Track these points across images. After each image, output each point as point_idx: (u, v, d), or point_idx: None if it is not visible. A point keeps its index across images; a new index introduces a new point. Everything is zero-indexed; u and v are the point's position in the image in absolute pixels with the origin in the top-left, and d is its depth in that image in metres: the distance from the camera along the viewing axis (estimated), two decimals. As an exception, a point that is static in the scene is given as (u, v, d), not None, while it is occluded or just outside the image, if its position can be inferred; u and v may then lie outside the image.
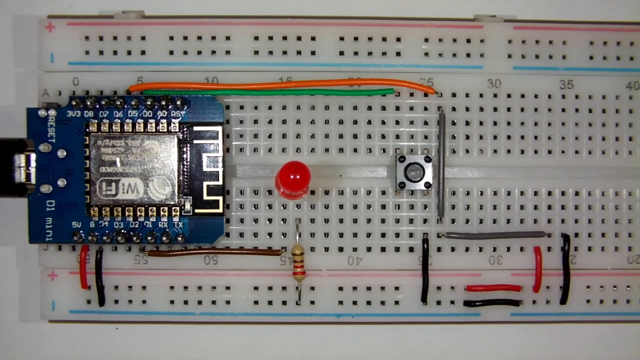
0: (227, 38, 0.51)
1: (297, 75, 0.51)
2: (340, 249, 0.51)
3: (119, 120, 0.49)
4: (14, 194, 0.49)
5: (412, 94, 0.51)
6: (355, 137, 0.51)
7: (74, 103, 0.49)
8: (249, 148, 0.51)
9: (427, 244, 0.51)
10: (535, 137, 0.51)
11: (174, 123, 0.49)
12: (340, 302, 0.51)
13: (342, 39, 0.51)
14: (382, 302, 0.51)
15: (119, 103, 0.49)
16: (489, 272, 0.51)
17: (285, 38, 0.51)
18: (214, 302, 0.51)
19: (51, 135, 0.49)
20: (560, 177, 0.51)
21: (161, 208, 0.49)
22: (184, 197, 0.49)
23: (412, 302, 0.51)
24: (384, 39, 0.51)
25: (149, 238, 0.49)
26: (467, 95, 0.51)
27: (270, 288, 0.51)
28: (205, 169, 0.49)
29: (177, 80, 0.50)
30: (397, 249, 0.51)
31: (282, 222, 0.51)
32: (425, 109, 0.51)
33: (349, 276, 0.51)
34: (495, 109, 0.51)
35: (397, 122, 0.51)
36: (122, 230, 0.49)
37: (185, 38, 0.51)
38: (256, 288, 0.51)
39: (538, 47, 0.51)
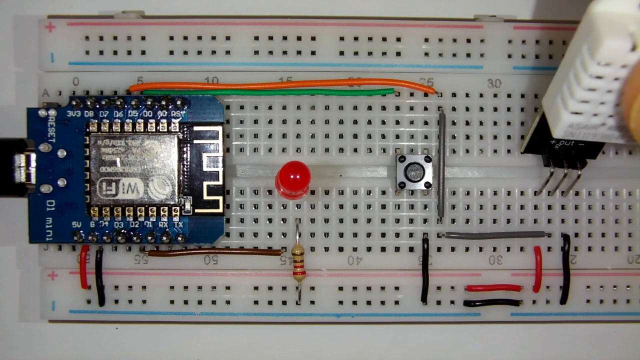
0: (227, 38, 0.51)
1: (297, 75, 0.51)
2: (340, 249, 0.51)
3: (119, 120, 0.49)
4: (14, 194, 0.49)
5: (412, 94, 0.51)
6: (356, 137, 0.51)
7: (74, 103, 0.49)
8: (249, 148, 0.51)
9: (427, 244, 0.51)
10: (535, 137, 0.51)
11: (174, 123, 0.49)
12: (340, 302, 0.51)
13: (342, 39, 0.51)
14: (382, 302, 0.51)
15: (119, 103, 0.49)
16: (489, 272, 0.51)
17: (285, 38, 0.51)
18: (214, 302, 0.51)
19: (51, 135, 0.49)
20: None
21: (161, 208, 0.49)
22: (184, 197, 0.49)
23: (412, 302, 0.51)
24: (384, 39, 0.51)
25: (149, 238, 0.49)
26: (467, 95, 0.51)
27: (270, 288, 0.51)
28: (205, 168, 0.49)
29: (177, 80, 0.50)
30: (397, 249, 0.51)
31: (282, 222, 0.51)
32: (426, 109, 0.51)
33: (349, 276, 0.51)
34: (495, 109, 0.51)
35: (397, 122, 0.51)
36: (122, 230, 0.49)
37: (186, 38, 0.51)
38: (256, 288, 0.51)
39: (538, 47, 0.51)
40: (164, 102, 0.49)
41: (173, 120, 0.49)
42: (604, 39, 0.35)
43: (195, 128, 0.49)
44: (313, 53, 0.51)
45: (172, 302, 0.51)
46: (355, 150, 0.51)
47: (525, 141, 0.49)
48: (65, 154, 0.49)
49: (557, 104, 0.41)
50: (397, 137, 0.51)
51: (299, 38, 0.51)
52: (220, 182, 0.49)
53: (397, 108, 0.51)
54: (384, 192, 0.51)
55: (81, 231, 0.49)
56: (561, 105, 0.40)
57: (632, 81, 0.36)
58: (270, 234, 0.51)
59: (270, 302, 0.51)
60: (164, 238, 0.49)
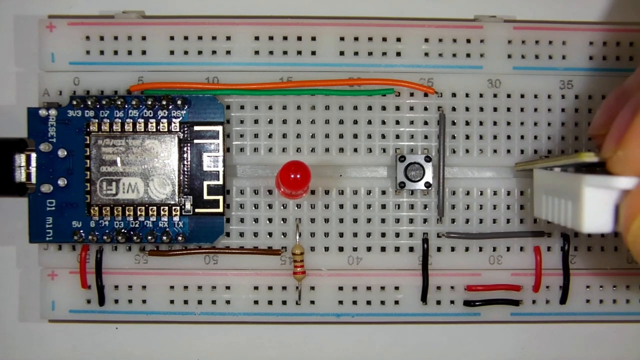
0: (228, 38, 0.51)
1: (297, 75, 0.51)
2: (340, 249, 0.51)
3: (120, 120, 0.49)
4: (15, 193, 0.49)
5: (412, 94, 0.51)
6: (356, 137, 0.51)
7: (74, 103, 0.49)
8: (249, 148, 0.51)
9: (427, 244, 0.51)
10: (535, 137, 0.51)
11: (174, 123, 0.49)
12: (340, 302, 0.51)
13: (342, 39, 0.51)
14: (382, 302, 0.51)
15: (119, 103, 0.49)
16: (489, 272, 0.51)
17: (285, 38, 0.51)
18: (214, 302, 0.51)
19: (52, 134, 0.49)
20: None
21: (161, 208, 0.49)
22: (184, 196, 0.49)
23: (412, 302, 0.51)
24: (384, 39, 0.51)
25: (149, 238, 0.49)
26: (467, 95, 0.51)
27: (270, 288, 0.51)
28: (205, 168, 0.49)
29: (178, 80, 0.50)
30: (397, 249, 0.51)
31: (282, 222, 0.51)
32: (425, 109, 0.51)
33: (349, 276, 0.51)
34: (495, 109, 0.51)
35: (397, 122, 0.51)
36: (123, 230, 0.49)
37: (186, 38, 0.51)
38: (256, 288, 0.51)
39: (538, 47, 0.51)
40: (164, 102, 0.49)
41: (173, 120, 0.49)
42: (584, 226, 0.35)
43: (196, 128, 0.49)
44: (313, 53, 0.51)
45: (172, 302, 0.51)
46: (355, 150, 0.51)
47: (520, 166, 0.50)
48: (65, 153, 0.49)
49: (540, 200, 0.43)
50: (397, 137, 0.51)
51: (299, 38, 0.51)
52: (220, 182, 0.49)
53: (397, 108, 0.51)
54: (384, 192, 0.51)
55: (81, 231, 0.49)
56: (543, 206, 0.42)
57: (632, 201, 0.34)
58: (270, 234, 0.51)
59: (270, 302, 0.51)
60: (164, 238, 0.49)
